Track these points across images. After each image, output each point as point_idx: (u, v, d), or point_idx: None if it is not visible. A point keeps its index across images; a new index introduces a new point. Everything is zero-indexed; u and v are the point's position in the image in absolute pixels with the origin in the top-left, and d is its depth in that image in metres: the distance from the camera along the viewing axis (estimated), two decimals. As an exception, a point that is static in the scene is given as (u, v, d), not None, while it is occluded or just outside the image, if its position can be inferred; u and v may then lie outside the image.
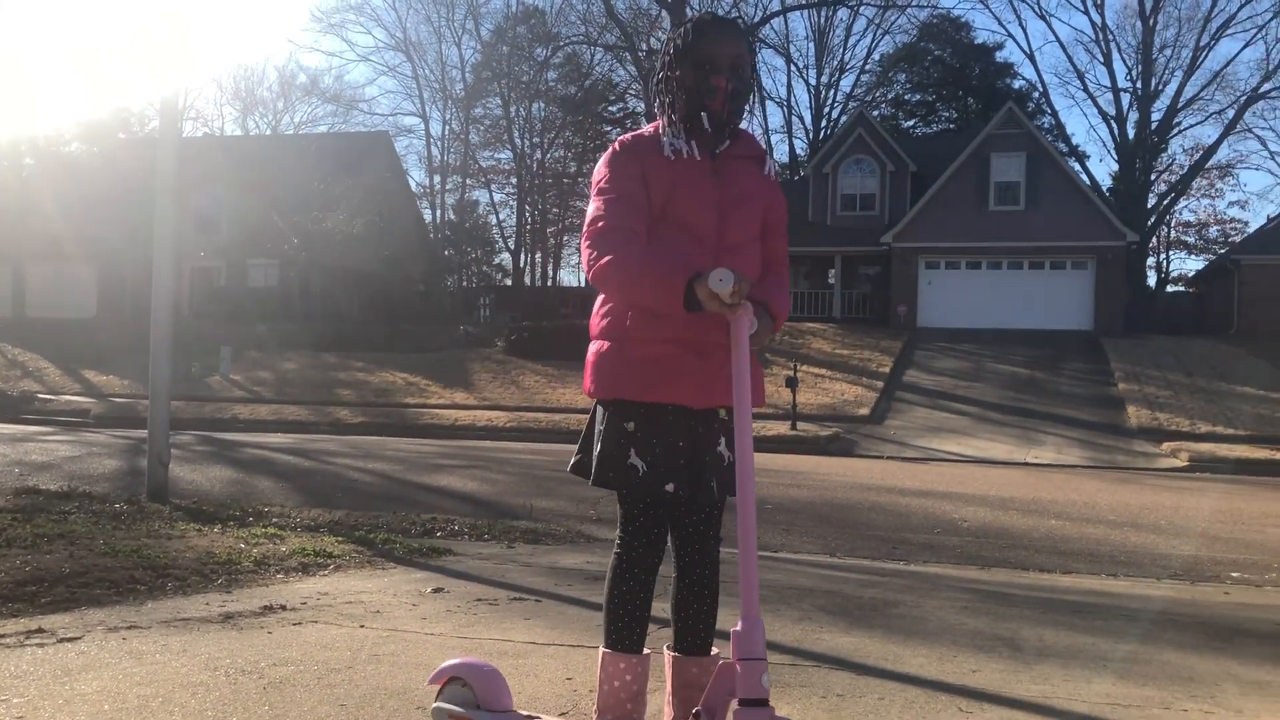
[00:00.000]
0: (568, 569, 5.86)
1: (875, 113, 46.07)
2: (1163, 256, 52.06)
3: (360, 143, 43.99)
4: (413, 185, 49.92)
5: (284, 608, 4.49)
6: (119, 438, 15.41)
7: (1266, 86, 44.11)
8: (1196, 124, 62.36)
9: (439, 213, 50.27)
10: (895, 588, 5.55)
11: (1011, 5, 63.10)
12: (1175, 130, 46.24)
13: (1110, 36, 46.64)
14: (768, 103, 51.03)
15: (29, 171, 42.73)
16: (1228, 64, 66.27)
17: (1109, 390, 23.75)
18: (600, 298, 2.62)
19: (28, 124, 54.35)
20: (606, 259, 2.41)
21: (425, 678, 2.77)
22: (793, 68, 51.97)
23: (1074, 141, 55.85)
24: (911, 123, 51.51)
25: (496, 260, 52.77)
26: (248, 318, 33.64)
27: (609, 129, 51.40)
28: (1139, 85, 45.20)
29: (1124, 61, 47.83)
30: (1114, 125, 46.09)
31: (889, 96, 52.19)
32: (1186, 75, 44.89)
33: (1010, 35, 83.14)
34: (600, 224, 2.48)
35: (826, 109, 50.92)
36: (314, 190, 36.29)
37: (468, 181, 51.96)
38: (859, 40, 53.94)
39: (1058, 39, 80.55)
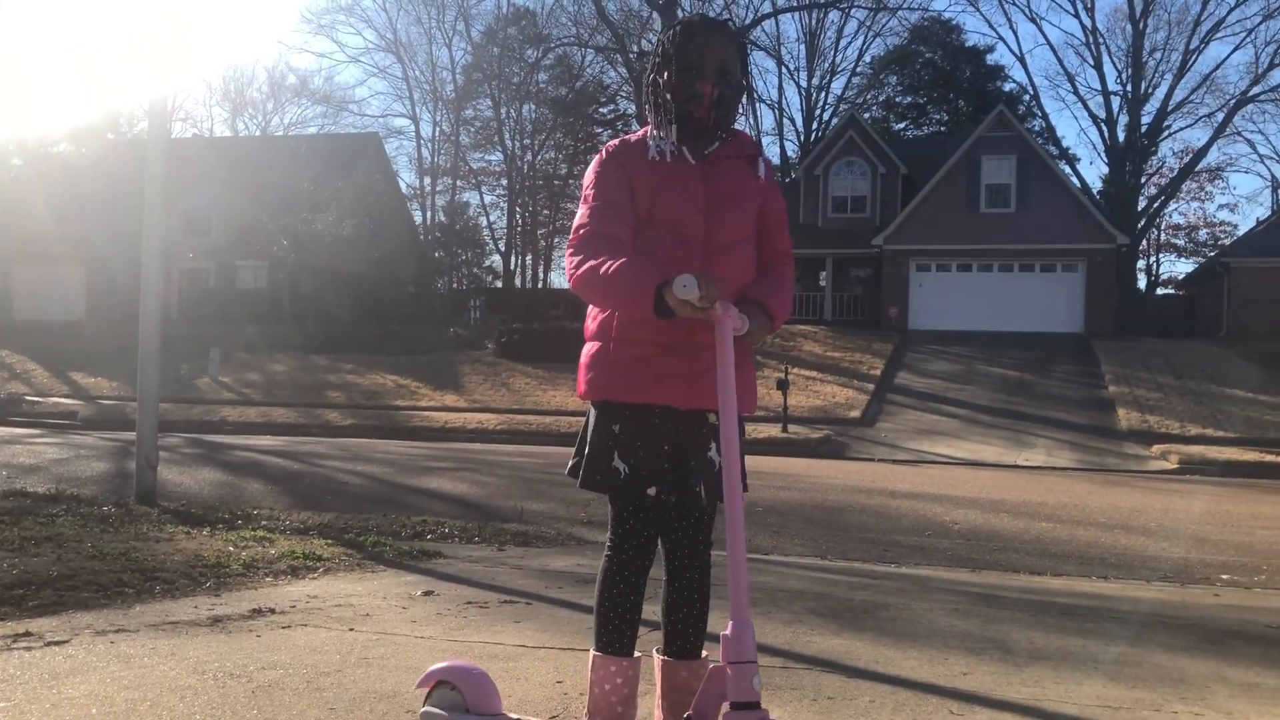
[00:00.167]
0: (558, 572, 5.85)
1: (866, 115, 46.15)
2: (1153, 259, 52.40)
3: (350, 144, 43.95)
4: (403, 187, 49.95)
5: (273, 611, 4.47)
6: (107, 440, 15.34)
7: (1256, 90, 44.37)
8: (1186, 127, 62.46)
9: (429, 214, 50.28)
10: (886, 590, 5.55)
11: (1002, 8, 63.01)
12: (1165, 133, 46.50)
13: (1100, 40, 46.97)
14: (759, 104, 51.08)
15: (17, 172, 42.59)
16: (1217, 67, 66.16)
17: (1099, 393, 23.82)
18: None
19: (16, 125, 54.19)
20: (584, 268, 2.42)
21: (415, 681, 2.75)
22: (784, 70, 51.96)
23: (1064, 144, 56.26)
24: (903, 125, 51.66)
25: (487, 262, 52.88)
26: (237, 319, 33.56)
27: (600, 131, 51.47)
28: (1129, 88, 45.40)
29: (1114, 64, 48.23)
30: (1104, 128, 46.31)
31: (880, 99, 52.35)
32: (1176, 78, 45.13)
33: (1001, 38, 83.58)
34: (582, 232, 2.50)
35: (818, 111, 51.04)
36: (304, 192, 36.24)
37: (458, 183, 51.98)
38: (850, 42, 54.03)
39: (1048, 42, 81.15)
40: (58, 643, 3.76)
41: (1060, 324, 31.00)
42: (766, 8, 44.90)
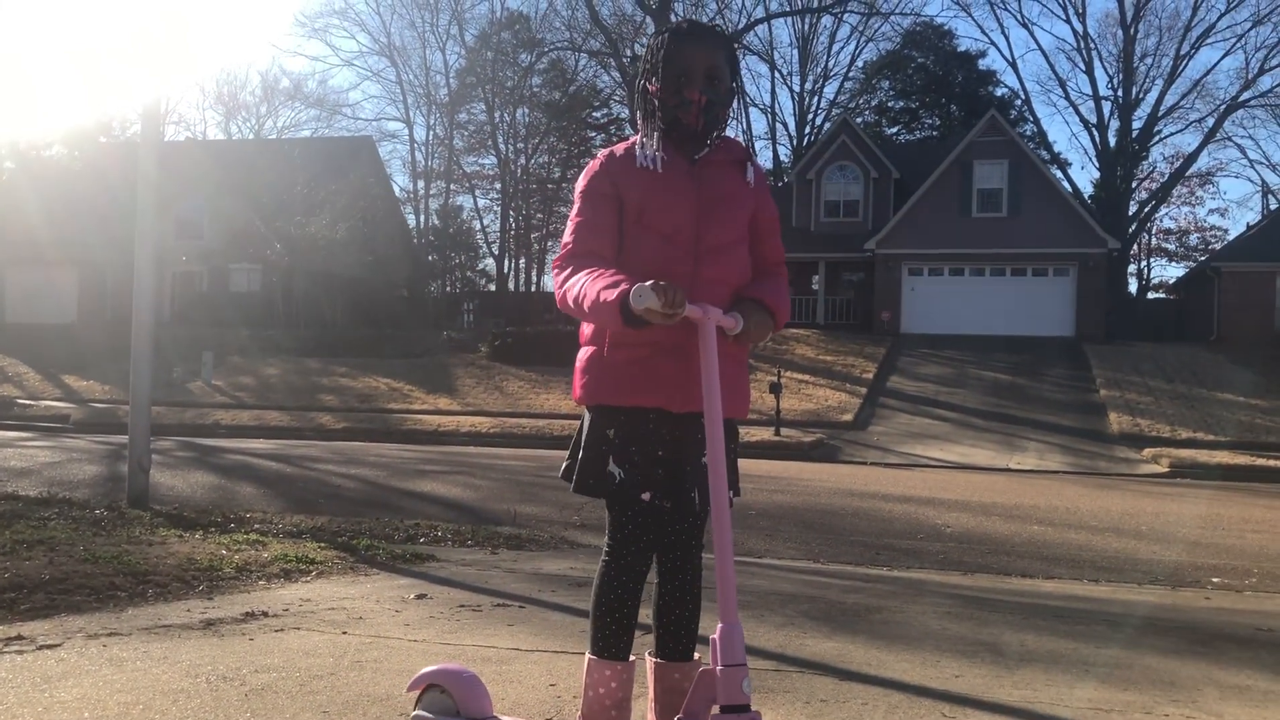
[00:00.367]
0: (551, 575, 5.85)
1: (859, 119, 46.26)
2: (1144, 263, 52.53)
3: (344, 147, 43.90)
4: (396, 190, 49.87)
5: (266, 614, 4.46)
6: (99, 443, 15.30)
7: (1246, 95, 44.62)
8: (1177, 132, 62.99)
9: (423, 218, 50.20)
10: (878, 593, 5.56)
11: (994, 13, 63.52)
12: (1156, 138, 46.71)
13: (1092, 45, 47.18)
14: (751, 109, 51.25)
15: (9, 175, 42.46)
16: (1207, 73, 66.82)
17: (1091, 396, 23.87)
18: None
19: (9, 128, 54.01)
20: (562, 290, 2.48)
21: (408, 684, 2.75)
22: (777, 74, 52.12)
23: (1056, 149, 56.27)
24: (895, 129, 51.76)
25: (480, 265, 52.84)
26: (230, 322, 33.48)
27: (593, 135, 51.49)
28: (1120, 93, 45.59)
29: (1105, 70, 48.24)
30: (1095, 133, 46.51)
31: (872, 103, 52.43)
32: (1167, 84, 45.36)
33: (993, 43, 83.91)
34: (565, 249, 2.56)
35: (810, 115, 51.16)
36: (297, 195, 36.19)
37: (452, 187, 51.92)
38: (843, 47, 54.22)
39: (1040, 47, 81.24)
40: (50, 646, 3.76)
41: (1052, 328, 31.07)
42: (759, 12, 45.12)
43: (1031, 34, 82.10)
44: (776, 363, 24.74)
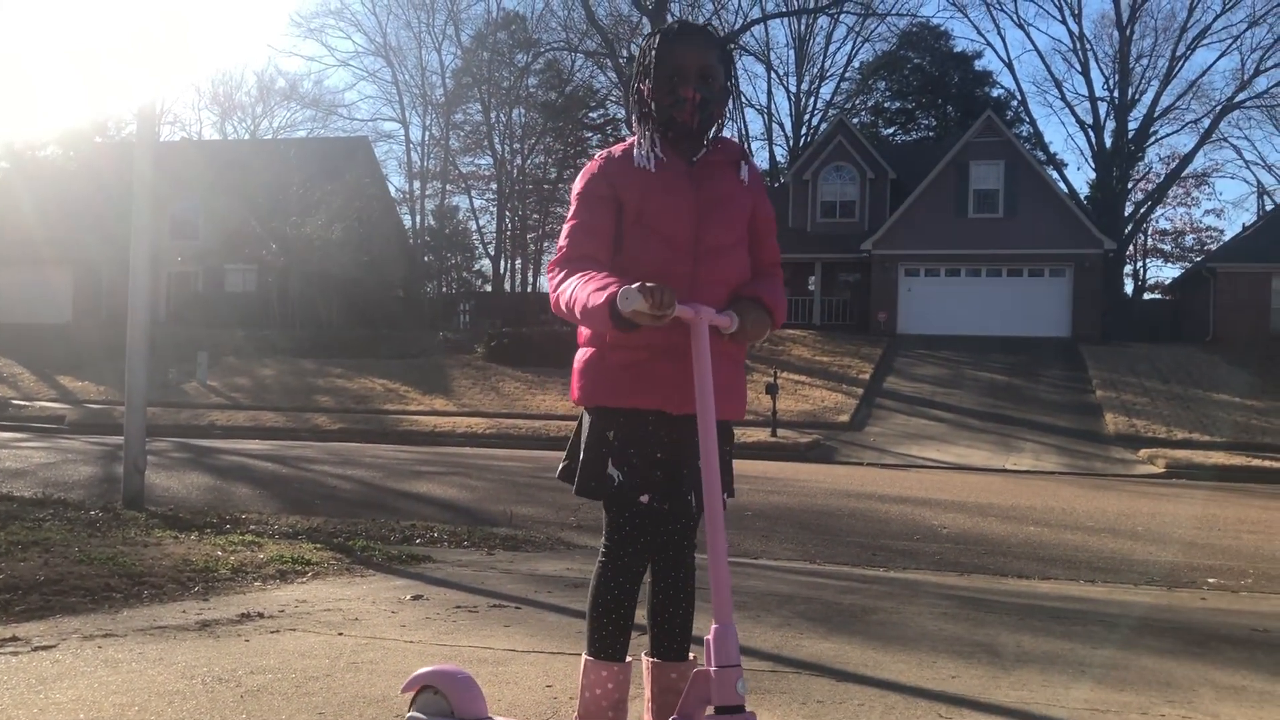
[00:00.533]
0: (548, 576, 5.85)
1: (855, 120, 46.30)
2: (1140, 264, 52.54)
3: (339, 148, 43.86)
4: (392, 191, 49.82)
5: (262, 615, 4.45)
6: (94, 444, 15.28)
7: (1242, 96, 44.69)
8: (1173, 133, 63.13)
9: (419, 218, 50.12)
10: (874, 594, 5.56)
11: (990, 14, 63.60)
12: (1152, 139, 46.73)
13: (1088, 46, 47.32)
14: (748, 110, 51.20)
15: (4, 175, 42.40)
16: (1203, 74, 66.96)
17: (1087, 397, 23.90)
18: None
19: (3, 128, 53.95)
20: (557, 292, 2.48)
21: (402, 686, 2.75)
22: (773, 75, 52.16)
23: (1052, 150, 56.46)
24: (891, 130, 51.78)
25: (476, 266, 52.82)
26: (225, 323, 33.45)
27: (589, 135, 51.45)
28: (1116, 94, 45.63)
29: (1101, 71, 48.34)
30: (1091, 134, 46.54)
31: (869, 104, 52.45)
32: (1163, 84, 45.40)
33: (989, 44, 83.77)
34: (560, 252, 2.55)
35: (807, 116, 51.14)
36: (293, 195, 36.16)
37: (448, 187, 51.84)
38: (839, 48, 54.06)
39: (1036, 48, 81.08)
40: (45, 648, 3.75)
41: (1048, 328, 31.11)
42: (756, 13, 45.08)
43: (1027, 35, 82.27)
44: (773, 363, 24.74)
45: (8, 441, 15.96)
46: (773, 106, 53.78)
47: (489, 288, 50.09)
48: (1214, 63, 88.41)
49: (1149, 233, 51.15)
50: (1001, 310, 31.59)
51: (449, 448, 17.72)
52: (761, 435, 18.75)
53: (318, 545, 6.52)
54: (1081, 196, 44.67)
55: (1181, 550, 8.26)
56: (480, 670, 3.51)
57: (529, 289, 51.45)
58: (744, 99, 49.94)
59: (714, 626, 2.23)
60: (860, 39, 49.76)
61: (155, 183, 8.92)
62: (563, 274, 2.49)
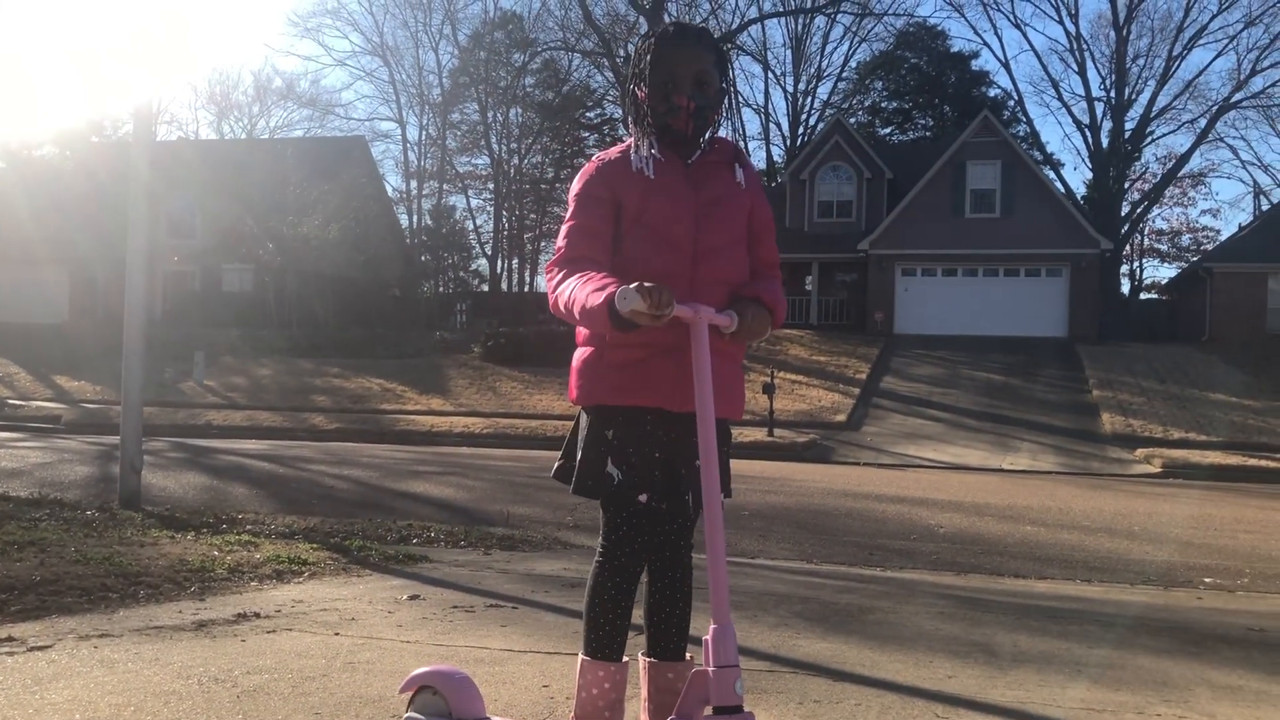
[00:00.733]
0: (545, 576, 5.84)
1: (852, 120, 46.28)
2: (1136, 264, 52.62)
3: (336, 147, 43.80)
4: (389, 190, 49.78)
5: (258, 615, 4.45)
6: (91, 444, 15.26)
7: (1238, 96, 44.72)
8: (1169, 133, 63.17)
9: (415, 218, 50.06)
10: (871, 594, 5.56)
11: (987, 14, 63.44)
12: (1148, 139, 46.76)
13: (1084, 46, 47.20)
14: (745, 109, 51.21)
15: (0, 175, 42.33)
16: (1200, 74, 66.69)
17: (1084, 397, 23.92)
18: None
19: (0, 127, 53.84)
20: (556, 293, 2.48)
21: (400, 685, 2.75)
22: (770, 75, 52.09)
23: (1049, 150, 56.27)
24: (888, 130, 51.81)
25: (473, 266, 52.74)
26: (222, 323, 33.42)
27: (586, 135, 51.44)
28: (1112, 94, 45.66)
29: (1098, 70, 48.54)
30: (1088, 134, 46.56)
31: (866, 104, 52.47)
32: (1159, 84, 45.41)
33: (986, 44, 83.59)
34: (558, 253, 2.55)
35: (804, 116, 51.12)
36: (289, 195, 36.11)
37: (444, 187, 51.81)
38: (836, 48, 54.09)
39: (1033, 48, 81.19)
40: (41, 648, 3.74)
41: (1044, 328, 31.13)
42: (753, 13, 45.10)
43: (1024, 35, 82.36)
44: (770, 363, 24.74)
45: (4, 441, 15.94)
46: (770, 106, 53.85)
47: (486, 287, 50.06)
48: (1210, 63, 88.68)
49: (1145, 233, 51.27)
50: (998, 310, 31.61)
51: (446, 447, 17.71)
52: (758, 435, 18.76)
53: (314, 545, 6.52)
54: (1078, 196, 44.73)
55: (1178, 550, 8.27)
56: (477, 670, 3.51)
57: (526, 289, 51.43)
58: (741, 99, 49.91)
59: (713, 626, 2.23)
60: (857, 39, 49.82)
61: (152, 182, 8.90)
62: (561, 275, 2.48)
